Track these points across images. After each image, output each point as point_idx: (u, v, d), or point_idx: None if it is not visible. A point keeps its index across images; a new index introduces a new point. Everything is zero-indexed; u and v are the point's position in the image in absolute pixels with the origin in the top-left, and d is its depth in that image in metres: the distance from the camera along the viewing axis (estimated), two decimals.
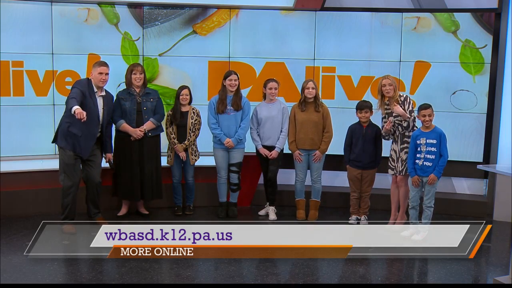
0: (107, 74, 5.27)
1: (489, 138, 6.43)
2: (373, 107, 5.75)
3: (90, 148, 5.26)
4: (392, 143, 5.60)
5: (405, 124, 5.44)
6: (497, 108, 6.36)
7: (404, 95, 5.53)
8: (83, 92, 5.11)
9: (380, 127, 5.69)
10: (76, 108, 4.82)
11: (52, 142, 5.40)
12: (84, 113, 4.81)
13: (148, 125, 5.73)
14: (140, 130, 5.67)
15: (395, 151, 5.55)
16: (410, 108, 5.42)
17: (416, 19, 6.49)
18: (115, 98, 5.66)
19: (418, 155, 5.22)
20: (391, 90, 5.45)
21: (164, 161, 6.04)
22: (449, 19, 6.42)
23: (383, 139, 5.72)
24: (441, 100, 6.42)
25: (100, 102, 5.31)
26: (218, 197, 6.09)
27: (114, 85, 6.03)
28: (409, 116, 5.39)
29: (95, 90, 5.26)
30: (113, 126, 5.68)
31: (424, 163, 5.19)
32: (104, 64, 5.31)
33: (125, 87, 5.81)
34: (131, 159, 5.73)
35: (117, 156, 5.79)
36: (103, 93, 5.35)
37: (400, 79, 6.47)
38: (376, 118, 5.80)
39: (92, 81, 5.26)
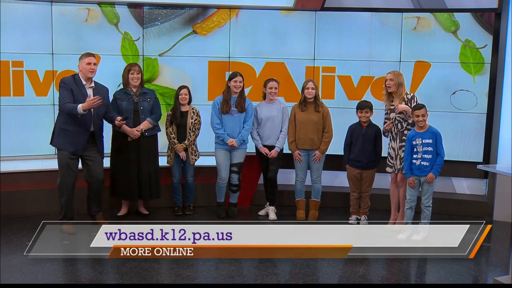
0: (95, 64, 5.22)
1: (489, 138, 6.43)
2: (373, 108, 5.75)
3: (84, 143, 5.20)
4: (390, 141, 5.59)
5: (410, 120, 5.41)
6: (497, 108, 6.36)
7: (411, 94, 5.51)
8: (69, 89, 5.12)
9: (382, 125, 5.68)
10: (81, 106, 4.98)
11: (50, 143, 5.38)
12: (97, 98, 5.00)
13: (145, 124, 5.72)
14: (137, 130, 5.66)
15: (393, 149, 5.54)
16: None
17: (416, 19, 6.49)
18: (111, 98, 5.64)
19: (414, 156, 5.21)
20: (392, 85, 5.45)
21: (163, 161, 6.03)
22: (449, 19, 6.42)
23: (383, 137, 5.72)
24: (441, 100, 6.43)
25: (90, 94, 5.24)
26: (216, 198, 6.08)
27: (114, 85, 6.01)
28: (410, 115, 5.38)
29: (84, 83, 5.22)
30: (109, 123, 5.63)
31: (422, 163, 5.18)
32: (91, 54, 5.28)
33: (122, 87, 5.81)
34: (128, 159, 5.72)
35: (114, 156, 5.79)
36: (93, 85, 5.29)
37: None
38: (376, 118, 5.80)
39: (79, 74, 5.23)
